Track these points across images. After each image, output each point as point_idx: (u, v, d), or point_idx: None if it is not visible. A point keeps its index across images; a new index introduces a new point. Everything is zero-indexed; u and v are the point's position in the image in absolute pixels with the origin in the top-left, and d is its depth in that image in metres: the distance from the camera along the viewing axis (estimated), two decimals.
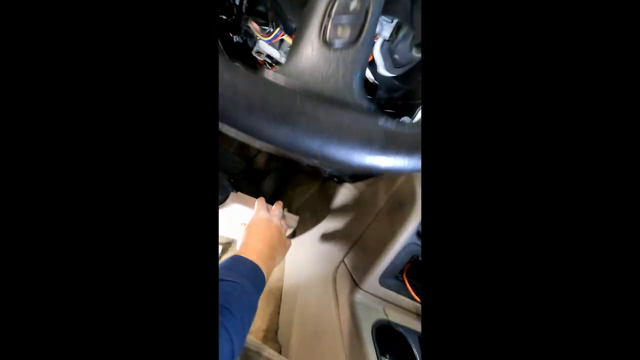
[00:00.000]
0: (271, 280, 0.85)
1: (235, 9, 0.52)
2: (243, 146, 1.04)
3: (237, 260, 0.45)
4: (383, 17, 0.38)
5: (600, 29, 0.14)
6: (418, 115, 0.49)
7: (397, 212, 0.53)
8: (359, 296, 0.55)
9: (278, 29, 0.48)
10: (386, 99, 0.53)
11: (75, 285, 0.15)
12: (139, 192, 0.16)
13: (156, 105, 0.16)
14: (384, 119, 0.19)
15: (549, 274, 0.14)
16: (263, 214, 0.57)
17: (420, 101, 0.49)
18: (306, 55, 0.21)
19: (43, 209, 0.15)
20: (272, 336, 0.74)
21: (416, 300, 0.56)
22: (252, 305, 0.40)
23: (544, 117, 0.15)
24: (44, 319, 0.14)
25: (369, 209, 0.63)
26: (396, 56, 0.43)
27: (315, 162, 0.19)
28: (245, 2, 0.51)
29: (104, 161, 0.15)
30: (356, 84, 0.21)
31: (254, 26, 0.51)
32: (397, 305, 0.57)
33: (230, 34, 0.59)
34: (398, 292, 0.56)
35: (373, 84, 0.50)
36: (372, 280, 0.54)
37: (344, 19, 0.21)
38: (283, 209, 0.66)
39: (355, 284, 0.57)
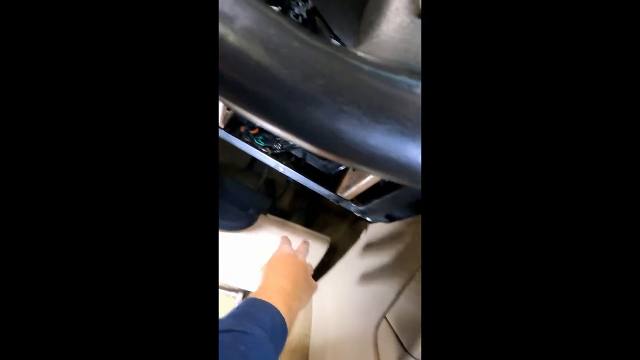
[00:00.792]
0: (295, 334, 0.73)
1: None
2: (269, 184, 1.02)
3: (253, 304, 0.34)
4: None
5: (601, 29, 0.14)
6: None
7: None
8: None
9: None
10: None
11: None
12: (139, 193, 0.15)
13: (157, 105, 0.15)
14: None
15: (549, 275, 0.14)
16: (287, 248, 0.50)
17: None
18: (394, 29, 0.18)
19: (37, 212, 0.14)
20: None
21: None
22: None
23: (544, 117, 0.14)
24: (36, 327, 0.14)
25: (412, 252, 0.55)
26: None
27: None
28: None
29: (104, 161, 0.15)
30: None
31: None
32: None
33: None
34: None
35: None
36: None
37: None
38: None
39: (405, 350, 0.44)
